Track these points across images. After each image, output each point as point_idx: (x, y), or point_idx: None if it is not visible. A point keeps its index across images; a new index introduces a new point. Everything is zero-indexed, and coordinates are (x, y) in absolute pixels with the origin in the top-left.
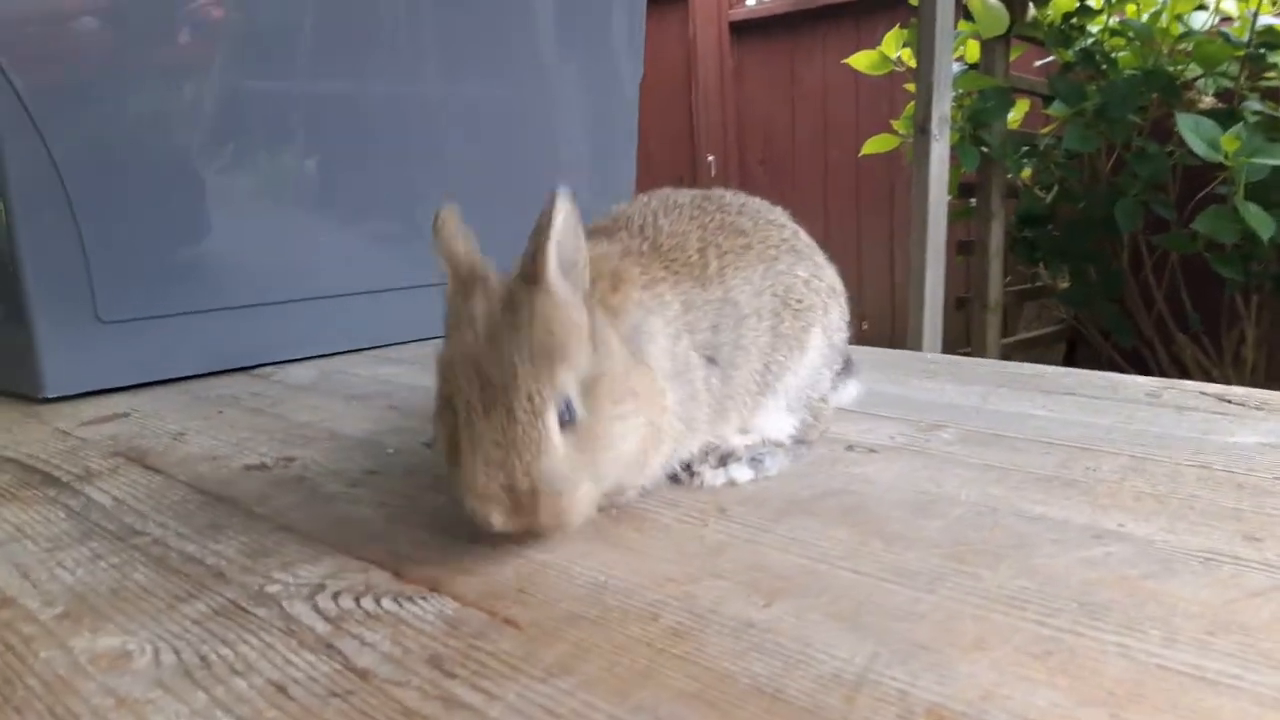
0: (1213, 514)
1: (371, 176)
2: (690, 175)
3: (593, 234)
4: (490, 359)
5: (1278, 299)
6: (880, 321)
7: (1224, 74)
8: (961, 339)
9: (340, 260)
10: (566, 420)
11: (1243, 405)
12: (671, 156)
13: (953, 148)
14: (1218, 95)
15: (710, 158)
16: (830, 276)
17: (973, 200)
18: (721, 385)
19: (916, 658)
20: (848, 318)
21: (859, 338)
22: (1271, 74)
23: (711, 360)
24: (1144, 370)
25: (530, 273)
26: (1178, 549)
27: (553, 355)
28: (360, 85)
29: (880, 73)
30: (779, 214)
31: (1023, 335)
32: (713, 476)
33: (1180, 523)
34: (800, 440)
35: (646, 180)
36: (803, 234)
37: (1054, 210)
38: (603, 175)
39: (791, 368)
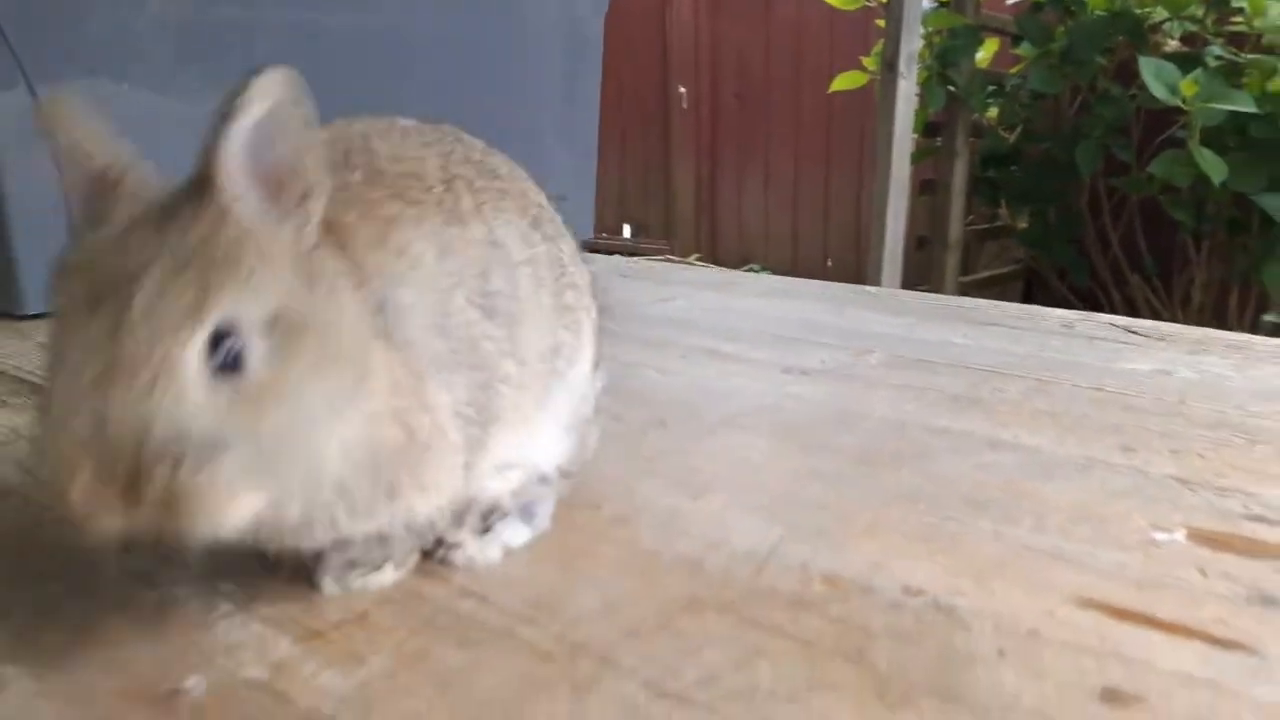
0: (1097, 429)
1: (334, 107)
2: (662, 106)
3: None
4: (115, 259)
5: (1228, 243)
6: (845, 258)
7: (1190, 17)
8: (922, 277)
9: None
10: (227, 361)
11: (1146, 336)
12: (642, 86)
13: (920, 86)
14: (1183, 39)
15: (682, 89)
16: (586, 273)
17: (938, 139)
18: (511, 346)
19: (817, 540)
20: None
21: (823, 275)
22: (1237, 19)
23: (488, 313)
24: (1097, 310)
25: (199, 174)
26: (1061, 458)
27: (216, 265)
28: (320, 15)
29: (853, 7)
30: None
31: (981, 274)
32: (480, 548)
33: (1068, 436)
34: (565, 474)
35: (617, 111)
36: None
37: (1017, 151)
38: (565, 113)
39: (580, 358)
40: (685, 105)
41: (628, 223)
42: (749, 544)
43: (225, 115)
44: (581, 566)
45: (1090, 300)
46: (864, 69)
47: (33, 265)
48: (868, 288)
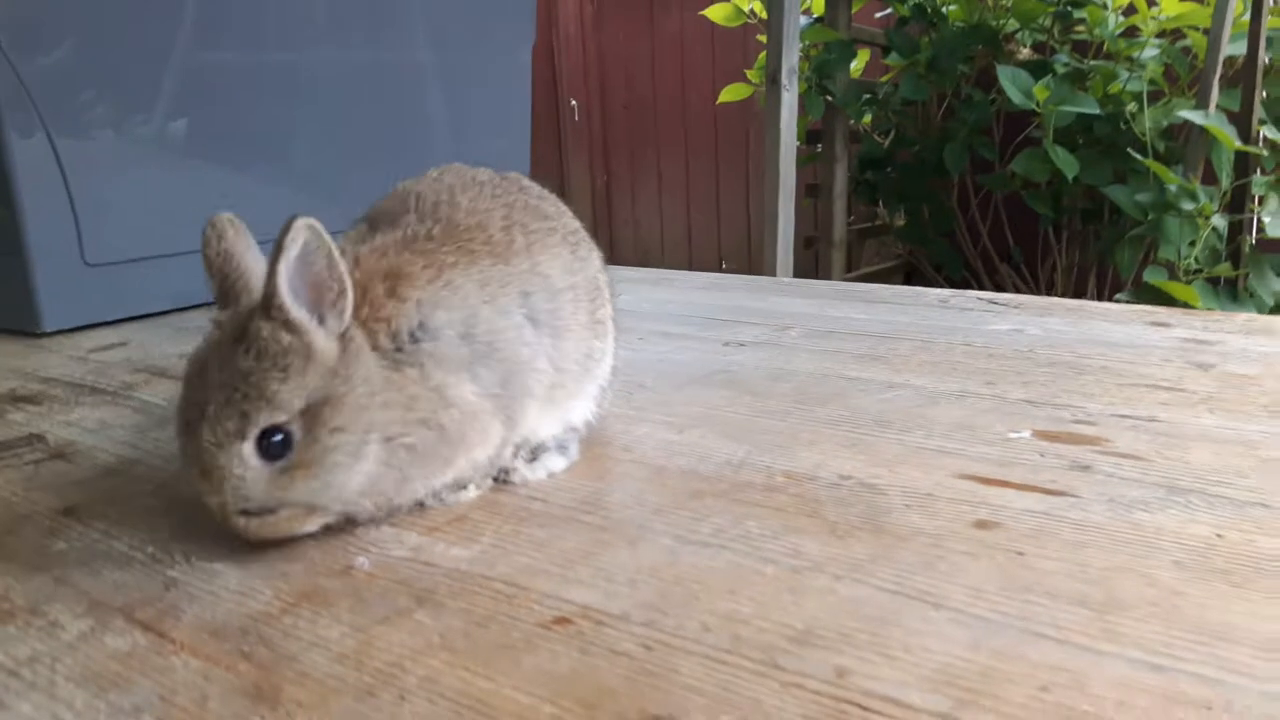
0: (968, 371)
1: (295, 139)
2: (554, 119)
3: (377, 217)
4: (197, 386)
5: (1083, 231)
6: (738, 259)
7: (1039, 28)
8: (810, 274)
9: (270, 212)
10: (274, 450)
11: (1005, 305)
12: (536, 101)
13: (801, 96)
14: (1034, 48)
15: (574, 102)
16: (608, 280)
17: (819, 146)
18: (555, 353)
19: (774, 451)
20: None
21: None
22: (1080, 28)
23: (533, 321)
24: None
25: (262, 300)
26: (942, 391)
27: (260, 385)
28: (281, 54)
29: (735, 24)
30: (562, 203)
31: (864, 270)
32: (530, 471)
33: (947, 377)
34: (589, 425)
35: None
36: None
37: (891, 154)
38: (499, 140)
39: (606, 355)
40: (577, 118)
41: None
42: (726, 457)
43: (274, 254)
44: (609, 478)
45: (964, 289)
46: (748, 81)
47: (50, 288)
48: (783, 279)
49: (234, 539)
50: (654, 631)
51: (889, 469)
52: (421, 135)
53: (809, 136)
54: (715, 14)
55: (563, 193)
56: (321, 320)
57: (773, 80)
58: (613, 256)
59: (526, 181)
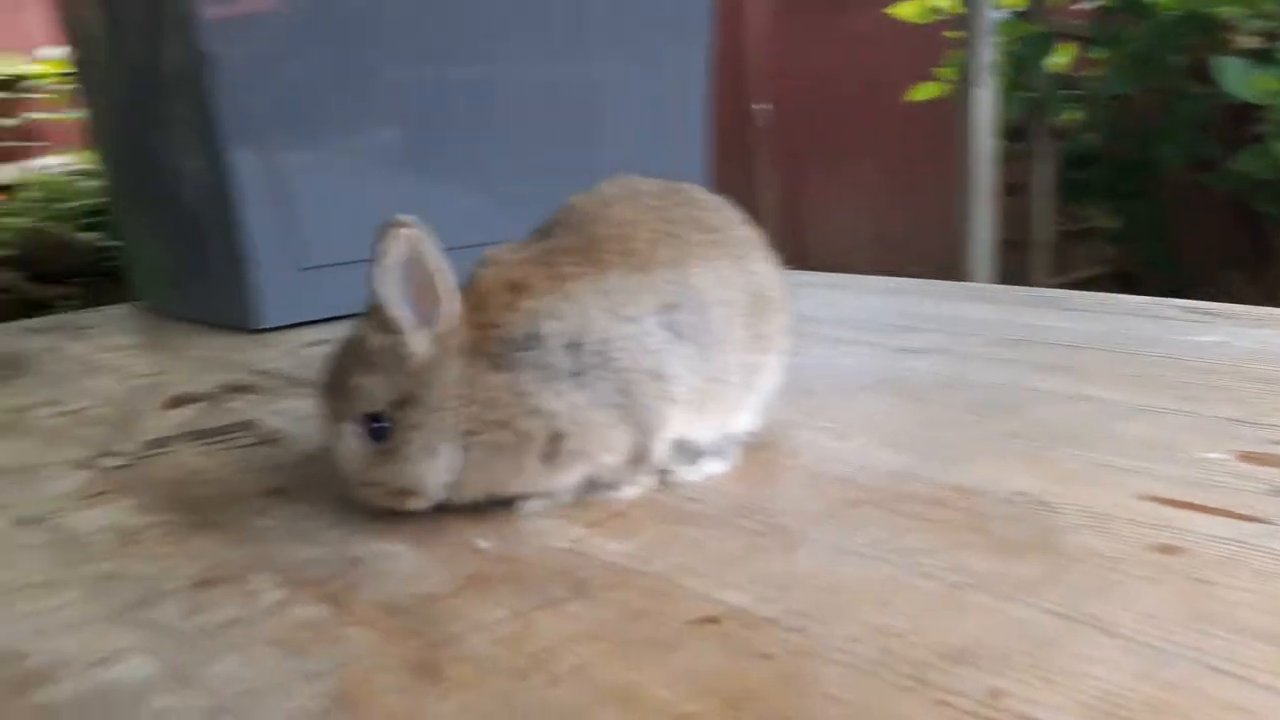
0: (1165, 385)
1: (488, 152)
2: (741, 126)
3: (542, 229)
4: (323, 374)
5: None
6: (934, 264)
7: (1265, 14)
8: (1013, 279)
9: (463, 222)
10: (375, 434)
11: (1214, 315)
12: (721, 108)
13: (998, 93)
14: (1259, 35)
15: (760, 107)
16: (781, 276)
17: (1021, 144)
18: (703, 364)
19: (942, 463)
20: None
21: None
22: None
23: (675, 333)
24: None
25: (370, 301)
26: (1133, 406)
27: (355, 378)
28: (472, 70)
29: (925, 21)
30: (737, 213)
31: (1074, 275)
32: (689, 474)
33: (1140, 391)
34: (750, 434)
35: None
36: (757, 234)
37: (1101, 152)
38: (675, 150)
39: (770, 369)
40: (763, 123)
41: None
42: (889, 467)
43: (375, 258)
44: (768, 483)
45: (1184, 297)
46: (939, 79)
47: (269, 290)
48: (966, 283)
49: (411, 523)
50: (803, 638)
51: (1066, 486)
52: (602, 147)
53: (1010, 134)
54: (904, 11)
55: (749, 199)
56: (426, 322)
57: (966, 77)
58: (800, 263)
59: (699, 193)
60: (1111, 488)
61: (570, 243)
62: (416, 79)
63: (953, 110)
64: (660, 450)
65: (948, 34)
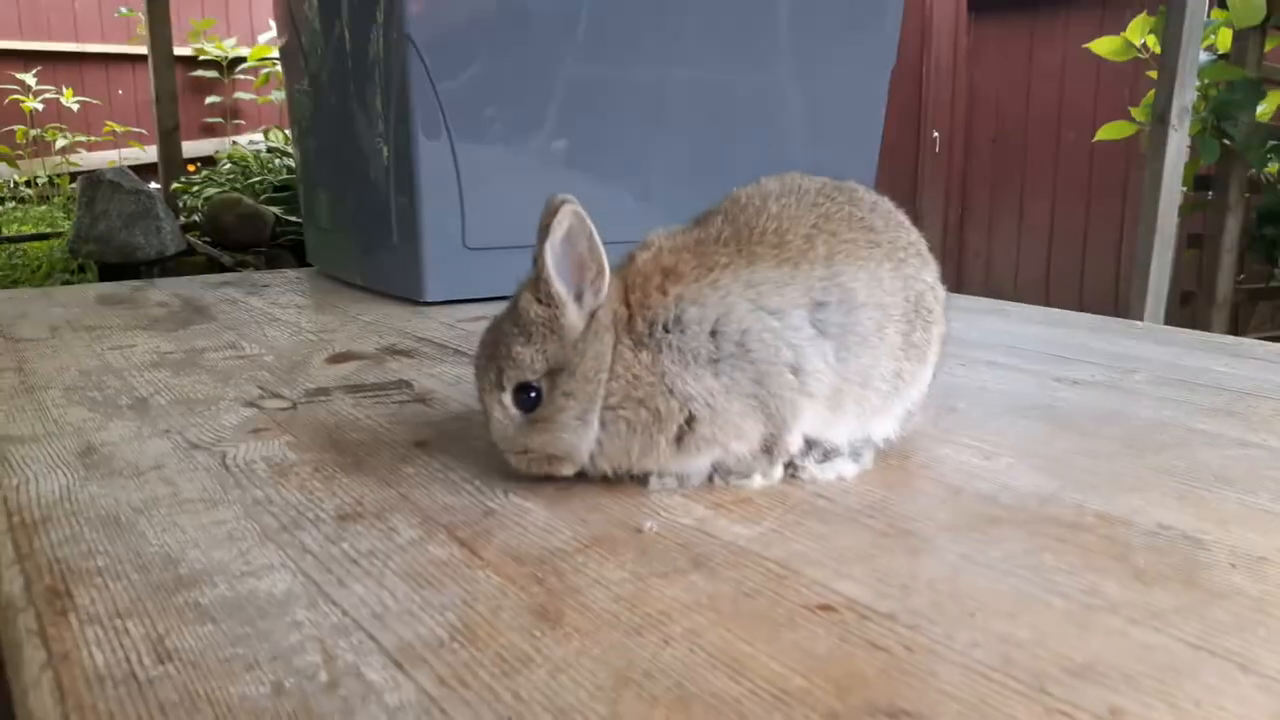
0: None
1: (652, 154)
2: (913, 149)
3: (701, 217)
4: (482, 344)
5: None
6: (1102, 309)
7: None
8: None
9: (621, 220)
10: (526, 403)
11: None
12: (895, 130)
13: (1192, 138)
14: None
15: (935, 133)
16: (941, 286)
17: (1209, 194)
18: (844, 365)
19: (1090, 491)
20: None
21: None
22: None
23: (820, 330)
24: None
25: (534, 271)
26: None
27: (510, 347)
28: (647, 72)
29: (1123, 59)
30: (904, 216)
31: (1253, 336)
32: (819, 471)
33: None
34: (889, 441)
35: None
36: (923, 240)
37: None
38: (846, 163)
39: (919, 380)
40: (938, 149)
41: None
42: (1033, 489)
43: (542, 233)
44: (901, 489)
45: None
46: (1131, 119)
47: (435, 266)
48: (1135, 322)
49: (546, 485)
50: (919, 636)
51: (1220, 526)
52: (771, 155)
53: (1197, 182)
54: (1102, 47)
55: (914, 224)
56: (579, 297)
57: (1160, 119)
58: (960, 292)
59: (863, 192)
60: (1268, 532)
61: (725, 232)
62: (597, 80)
63: (1139, 152)
64: (793, 444)
65: (1150, 74)
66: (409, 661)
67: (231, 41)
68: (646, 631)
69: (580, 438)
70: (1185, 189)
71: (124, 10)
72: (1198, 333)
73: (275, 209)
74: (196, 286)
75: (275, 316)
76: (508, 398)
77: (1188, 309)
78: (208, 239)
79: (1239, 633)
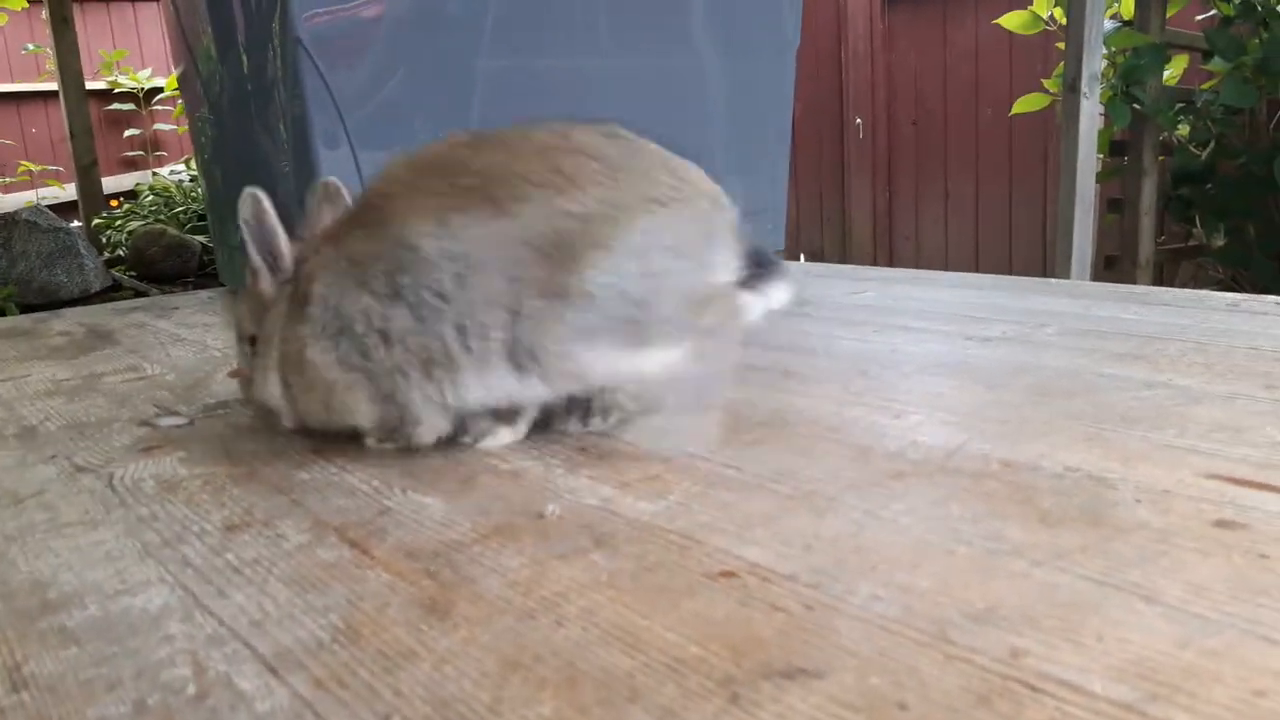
0: (1245, 374)
1: None
2: (838, 137)
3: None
4: None
5: None
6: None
7: None
8: None
9: None
10: (247, 354)
11: None
12: (819, 119)
13: (1104, 105)
14: None
15: (858, 120)
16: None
17: (1125, 159)
18: (427, 327)
19: (997, 440)
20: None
21: None
22: None
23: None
24: None
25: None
26: (1209, 392)
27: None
28: (557, 62)
29: (1032, 32)
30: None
31: None
32: (484, 440)
33: (1218, 380)
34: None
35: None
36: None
37: (1211, 167)
38: (751, 151)
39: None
40: (862, 135)
41: (802, 254)
42: (940, 442)
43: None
44: (807, 453)
45: None
46: (1045, 91)
47: None
48: (1048, 279)
49: (447, 479)
50: (819, 594)
51: (1125, 464)
52: (686, 139)
53: (1113, 148)
54: (1011, 22)
55: (841, 211)
56: (273, 271)
57: (1071, 88)
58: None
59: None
60: (1175, 467)
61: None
62: (500, 74)
63: (1056, 124)
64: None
65: (1061, 45)
66: (284, 667)
67: (147, 72)
68: (540, 615)
69: (270, 393)
70: (1102, 155)
71: (31, 46)
72: (1110, 285)
73: (201, 238)
74: (105, 314)
75: (181, 337)
76: (240, 358)
77: (1112, 273)
78: (134, 273)
79: (1142, 565)
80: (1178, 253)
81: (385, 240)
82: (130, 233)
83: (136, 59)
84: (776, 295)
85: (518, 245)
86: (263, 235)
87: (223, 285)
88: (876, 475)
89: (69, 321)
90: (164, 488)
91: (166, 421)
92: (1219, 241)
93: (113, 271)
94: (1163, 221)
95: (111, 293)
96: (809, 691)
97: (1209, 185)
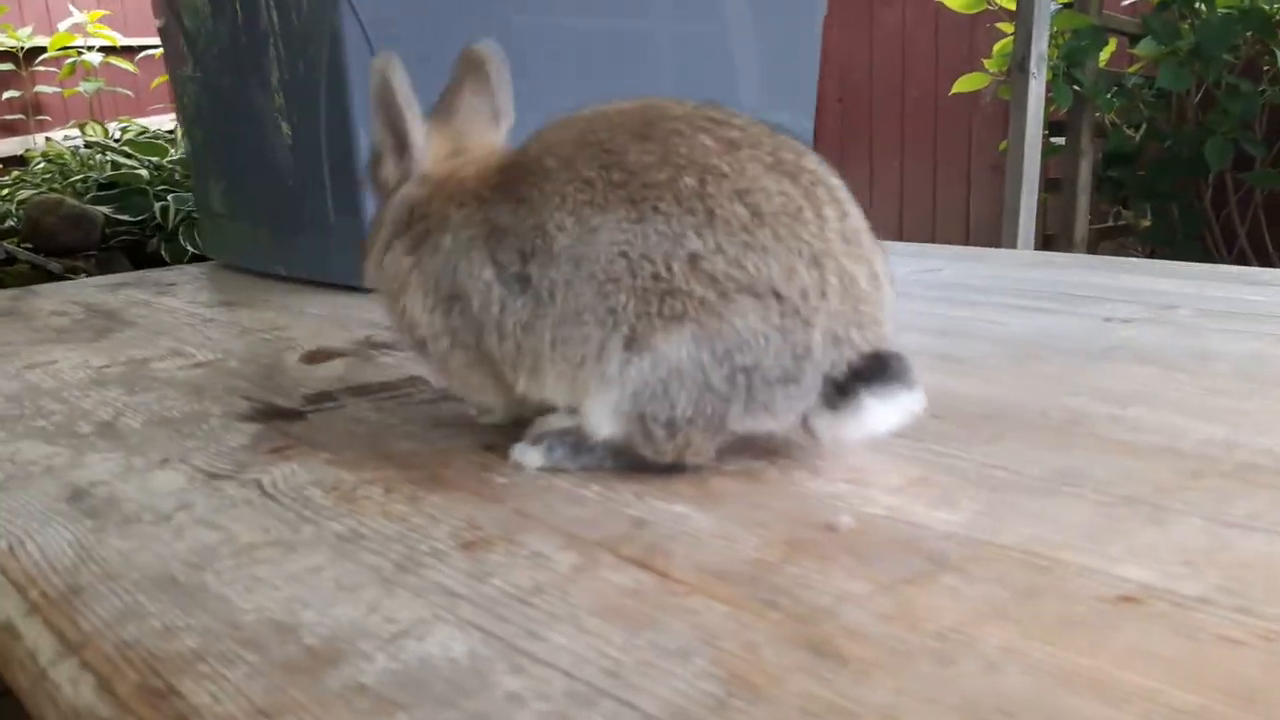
0: None
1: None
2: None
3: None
4: None
5: None
6: None
7: None
8: None
9: None
10: None
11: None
12: None
13: (1047, 85)
14: None
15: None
16: (754, 265)
17: (1062, 139)
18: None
19: (1257, 432)
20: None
21: None
22: None
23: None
24: None
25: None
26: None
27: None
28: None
29: (975, 10)
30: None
31: None
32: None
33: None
34: (621, 451)
35: None
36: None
37: (1141, 149)
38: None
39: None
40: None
41: None
42: (1205, 436)
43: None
44: (1074, 453)
45: None
46: (983, 70)
47: None
48: (1080, 255)
49: (674, 481)
50: (1257, 620)
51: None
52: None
53: (1051, 128)
54: (954, 1)
55: None
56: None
57: (1020, 67)
58: None
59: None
60: None
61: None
62: (541, 29)
63: (982, 104)
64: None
65: (1000, 26)
66: None
67: (27, 30)
68: (959, 657)
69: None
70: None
71: None
72: (1194, 265)
73: (104, 209)
74: (89, 291)
75: (207, 317)
76: None
77: (1050, 251)
78: (28, 245)
79: None
80: (1103, 232)
81: (528, 220)
82: (21, 202)
83: (15, 15)
84: (906, 402)
85: (623, 260)
86: (390, 113)
87: (203, 257)
88: (1179, 475)
89: (54, 300)
90: (338, 497)
91: (274, 417)
92: (1144, 222)
93: (4, 244)
94: (1092, 202)
95: (5, 266)
96: None
97: (1137, 166)
